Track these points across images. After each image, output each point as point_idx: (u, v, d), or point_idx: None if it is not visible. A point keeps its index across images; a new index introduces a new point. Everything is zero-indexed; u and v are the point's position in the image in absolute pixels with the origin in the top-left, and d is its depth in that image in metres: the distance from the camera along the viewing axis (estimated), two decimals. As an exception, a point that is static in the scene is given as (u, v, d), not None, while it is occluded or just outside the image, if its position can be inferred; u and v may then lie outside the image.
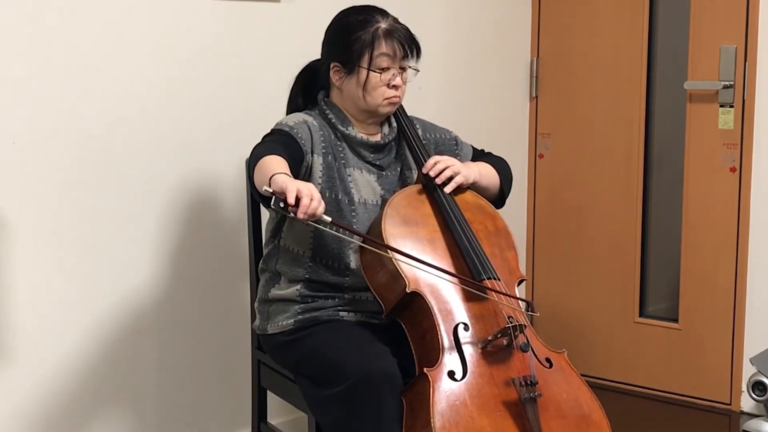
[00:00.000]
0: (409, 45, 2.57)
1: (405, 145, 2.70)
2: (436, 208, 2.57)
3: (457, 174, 2.60)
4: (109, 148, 2.87)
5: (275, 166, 2.32)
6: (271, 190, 2.23)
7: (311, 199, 2.21)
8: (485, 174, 2.72)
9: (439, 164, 2.59)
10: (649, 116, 3.93)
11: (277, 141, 2.49)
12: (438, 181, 2.58)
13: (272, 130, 2.56)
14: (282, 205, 2.20)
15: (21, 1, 2.66)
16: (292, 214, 2.21)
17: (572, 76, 4.04)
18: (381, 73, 2.54)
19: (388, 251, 2.40)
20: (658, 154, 3.98)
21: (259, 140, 2.55)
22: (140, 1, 2.89)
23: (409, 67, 2.60)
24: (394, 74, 2.56)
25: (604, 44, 3.95)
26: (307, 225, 2.38)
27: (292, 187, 2.20)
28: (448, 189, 2.58)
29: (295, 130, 2.52)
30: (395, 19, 2.60)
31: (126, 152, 2.91)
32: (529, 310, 2.49)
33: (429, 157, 2.63)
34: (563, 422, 2.39)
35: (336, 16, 2.64)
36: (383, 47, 2.54)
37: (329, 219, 2.28)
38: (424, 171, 2.59)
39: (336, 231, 2.42)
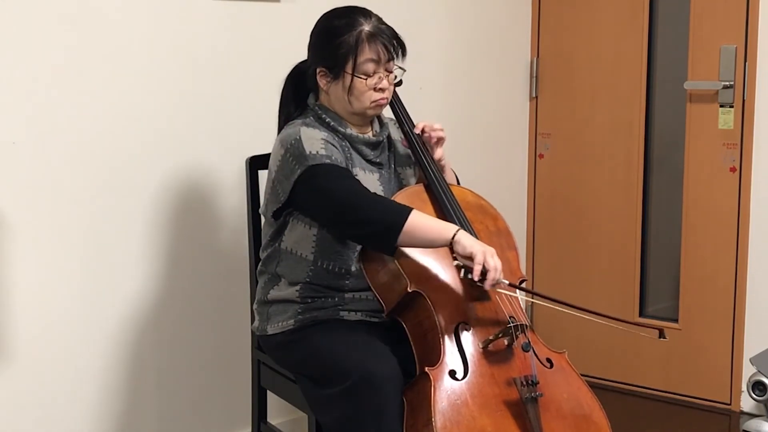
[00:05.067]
0: (393, 47, 2.54)
1: (396, 141, 2.72)
2: (437, 208, 2.57)
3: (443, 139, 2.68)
4: (108, 148, 2.87)
5: (431, 223, 2.40)
6: (462, 265, 2.36)
7: (496, 271, 2.33)
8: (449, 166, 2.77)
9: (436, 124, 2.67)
10: (649, 116, 3.93)
11: (353, 183, 2.46)
12: (433, 135, 2.65)
13: (314, 165, 2.44)
14: (470, 276, 2.33)
15: (21, 1, 2.65)
16: (478, 284, 2.35)
17: (572, 76, 4.04)
18: (366, 79, 2.52)
19: (565, 306, 2.48)
20: (658, 154, 3.98)
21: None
22: (140, 1, 2.89)
23: (398, 66, 2.57)
24: (380, 77, 2.53)
25: (604, 44, 3.95)
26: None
27: (480, 258, 2.31)
28: (436, 155, 2.65)
29: (333, 158, 2.48)
30: (379, 19, 2.55)
31: (126, 152, 2.91)
32: (661, 336, 2.47)
33: (429, 154, 2.65)
34: (564, 422, 2.39)
35: (319, 19, 2.60)
36: (367, 52, 2.50)
37: (507, 282, 2.39)
38: (416, 131, 2.66)
39: (513, 292, 2.48)
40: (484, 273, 2.32)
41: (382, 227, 2.38)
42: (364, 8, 2.57)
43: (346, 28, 2.51)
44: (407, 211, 2.38)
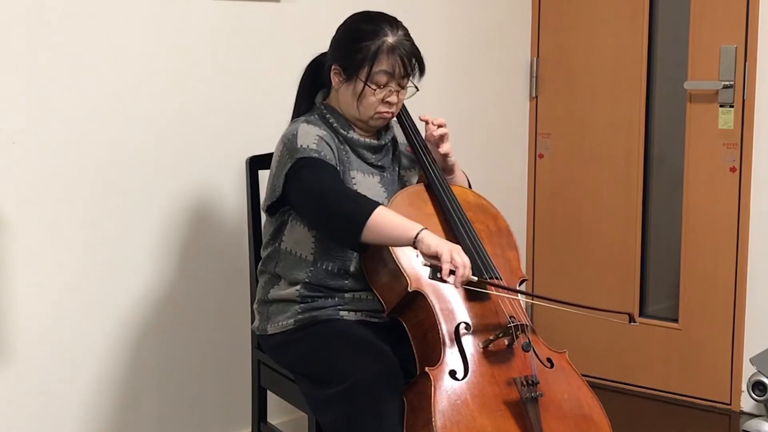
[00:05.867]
0: (411, 64, 2.53)
1: (401, 145, 2.71)
2: (438, 208, 2.57)
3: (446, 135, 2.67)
4: (108, 148, 2.87)
5: (397, 220, 2.36)
6: (429, 264, 2.31)
7: (465, 268, 2.28)
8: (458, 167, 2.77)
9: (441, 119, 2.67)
10: (649, 116, 3.93)
11: (332, 178, 2.46)
12: (437, 132, 2.64)
13: (302, 158, 2.47)
14: (439, 275, 2.28)
15: (21, 1, 2.65)
16: (448, 282, 2.30)
17: (572, 76, 4.04)
18: (377, 89, 2.51)
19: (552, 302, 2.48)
20: (658, 154, 3.98)
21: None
22: (140, 1, 2.89)
23: (412, 83, 2.56)
24: (390, 91, 2.53)
25: (604, 44, 3.95)
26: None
27: (447, 257, 2.27)
28: (444, 150, 2.64)
29: (323, 153, 2.49)
30: (405, 34, 2.54)
31: (126, 152, 2.90)
32: (631, 321, 2.43)
33: (430, 154, 2.65)
34: (564, 422, 2.39)
35: (349, 18, 2.60)
36: (383, 64, 2.50)
37: (476, 278, 2.35)
38: (422, 118, 2.66)
39: (484, 288, 2.43)
40: (453, 272, 2.29)
41: (347, 221, 2.37)
42: (394, 18, 2.57)
43: (370, 34, 2.51)
44: (373, 206, 2.36)
